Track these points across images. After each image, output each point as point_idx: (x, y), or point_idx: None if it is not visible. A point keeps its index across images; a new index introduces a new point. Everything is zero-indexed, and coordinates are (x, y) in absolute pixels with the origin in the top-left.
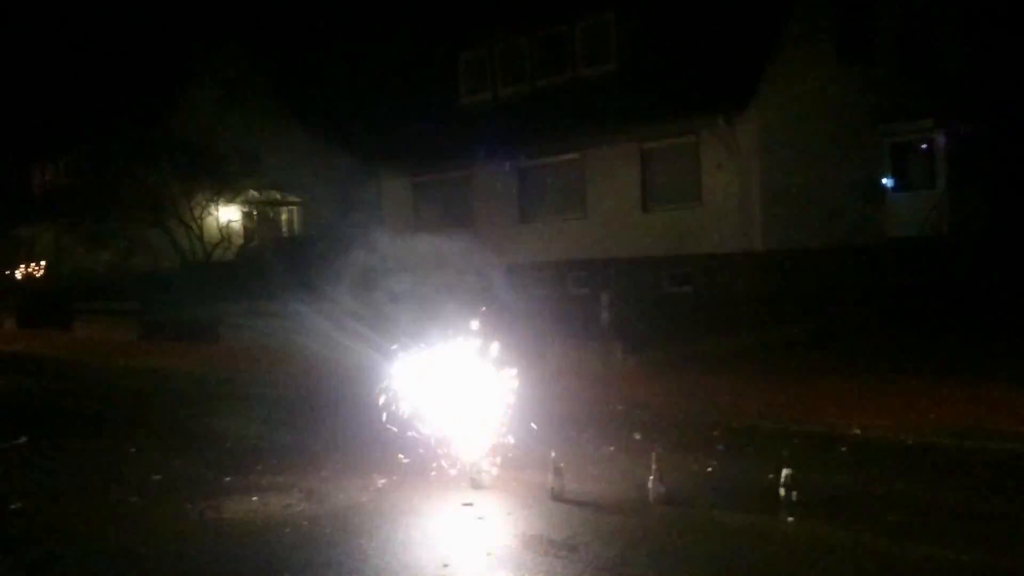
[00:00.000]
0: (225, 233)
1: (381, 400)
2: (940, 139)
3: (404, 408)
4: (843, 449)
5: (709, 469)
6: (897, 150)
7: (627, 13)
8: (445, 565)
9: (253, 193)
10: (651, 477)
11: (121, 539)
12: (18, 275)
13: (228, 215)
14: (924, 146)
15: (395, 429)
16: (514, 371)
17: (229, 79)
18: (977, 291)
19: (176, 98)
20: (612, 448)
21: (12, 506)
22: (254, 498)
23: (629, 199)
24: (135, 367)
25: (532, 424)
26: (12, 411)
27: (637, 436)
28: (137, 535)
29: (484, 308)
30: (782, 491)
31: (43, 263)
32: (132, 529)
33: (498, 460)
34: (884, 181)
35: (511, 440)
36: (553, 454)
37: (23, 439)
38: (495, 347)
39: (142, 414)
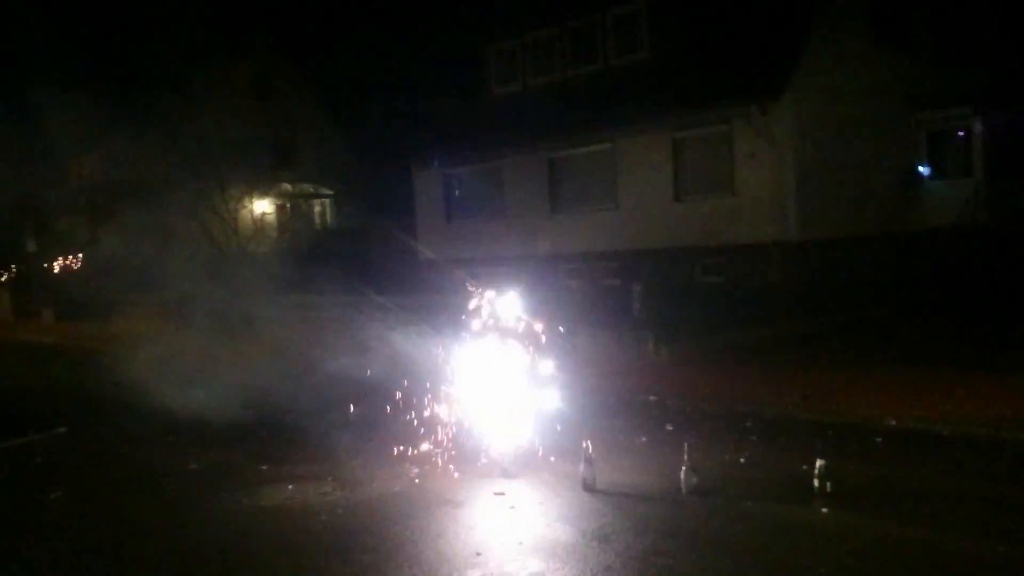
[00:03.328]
0: (259, 225)
1: (414, 391)
2: (977, 126)
3: (437, 399)
4: (878, 440)
5: (742, 460)
6: (934, 137)
7: (658, 2)
8: (478, 553)
9: (286, 186)
10: (683, 467)
11: (159, 527)
12: (56, 268)
13: (262, 207)
14: (961, 133)
15: (428, 419)
16: (546, 362)
17: (263, 72)
18: (1016, 281)
19: (210, 91)
20: (644, 438)
21: (52, 495)
22: (290, 486)
23: (661, 189)
24: (170, 358)
25: (562, 417)
26: (52, 401)
27: (669, 427)
28: (175, 523)
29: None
30: (816, 482)
31: (80, 255)
32: (170, 517)
33: (530, 450)
34: (920, 169)
35: (543, 430)
36: (585, 444)
37: (62, 429)
38: (530, 339)
39: (178, 404)
